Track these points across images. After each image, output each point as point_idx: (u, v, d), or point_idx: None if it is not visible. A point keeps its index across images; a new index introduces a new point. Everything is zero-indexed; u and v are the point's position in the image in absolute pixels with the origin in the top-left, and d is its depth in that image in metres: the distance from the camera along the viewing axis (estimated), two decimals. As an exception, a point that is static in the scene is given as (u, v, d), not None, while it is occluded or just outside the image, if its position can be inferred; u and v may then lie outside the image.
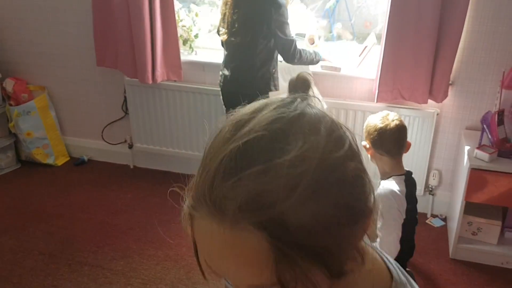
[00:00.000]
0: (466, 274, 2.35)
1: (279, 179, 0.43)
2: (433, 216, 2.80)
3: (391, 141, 1.85)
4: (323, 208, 0.45)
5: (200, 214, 0.47)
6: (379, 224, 1.81)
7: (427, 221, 2.76)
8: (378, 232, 1.81)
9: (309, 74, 0.56)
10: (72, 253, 2.51)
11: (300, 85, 0.58)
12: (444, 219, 2.76)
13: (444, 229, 2.69)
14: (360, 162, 0.50)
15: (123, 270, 2.38)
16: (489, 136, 2.28)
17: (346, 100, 2.71)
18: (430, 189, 2.76)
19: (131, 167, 3.40)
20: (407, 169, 1.94)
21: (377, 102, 2.57)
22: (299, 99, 0.51)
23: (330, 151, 0.46)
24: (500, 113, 2.26)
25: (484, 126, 2.30)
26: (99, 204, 2.97)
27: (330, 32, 3.06)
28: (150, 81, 2.91)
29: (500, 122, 2.27)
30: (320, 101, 0.54)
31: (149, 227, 2.72)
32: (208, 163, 0.47)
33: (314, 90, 0.58)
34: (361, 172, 0.50)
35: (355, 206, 0.48)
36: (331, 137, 0.48)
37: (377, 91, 2.54)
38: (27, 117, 3.22)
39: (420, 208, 2.56)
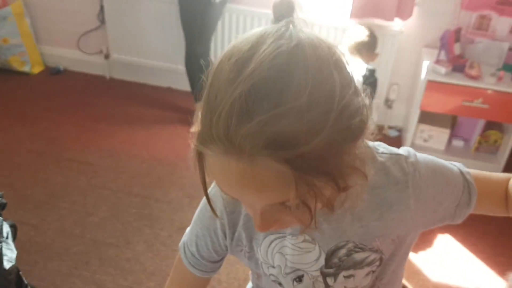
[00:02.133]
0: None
1: (301, 123, 0.47)
2: (390, 127, 3.12)
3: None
4: (335, 137, 0.49)
5: (214, 152, 0.50)
6: None
7: (383, 132, 3.08)
8: None
9: None
10: (60, 152, 2.66)
11: (285, 8, 0.55)
12: (399, 130, 3.10)
13: (398, 139, 3.03)
14: (356, 86, 0.54)
15: (111, 166, 2.57)
16: (446, 52, 2.55)
17: (319, 18, 2.88)
18: (389, 102, 3.05)
19: (107, 78, 3.48)
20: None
21: (350, 18, 2.77)
22: (291, 26, 0.52)
23: (341, 89, 0.50)
24: (458, 31, 2.53)
25: (442, 43, 2.56)
26: (79, 110, 3.08)
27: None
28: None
29: (457, 39, 2.54)
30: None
31: (131, 132, 2.89)
32: (216, 105, 0.48)
33: (299, 13, 0.56)
34: (363, 100, 0.54)
35: (357, 127, 0.53)
36: (338, 73, 0.51)
37: (351, 7, 2.72)
38: (4, 23, 3.19)
39: (378, 120, 2.87)
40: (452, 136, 2.83)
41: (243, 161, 0.47)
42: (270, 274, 0.80)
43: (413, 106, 2.76)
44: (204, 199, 0.78)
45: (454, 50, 2.52)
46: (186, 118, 3.10)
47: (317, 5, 2.88)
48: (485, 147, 2.76)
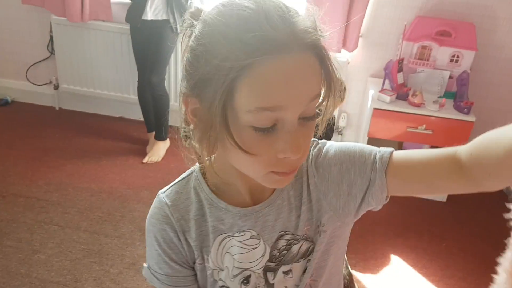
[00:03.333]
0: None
1: (312, 20, 0.63)
2: (342, 153, 3.20)
3: None
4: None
5: (267, 57, 0.56)
6: None
7: (336, 158, 3.15)
8: None
9: None
10: (5, 186, 2.56)
11: None
12: (351, 156, 3.17)
13: (350, 164, 3.10)
14: None
15: (58, 201, 2.49)
16: (390, 82, 2.66)
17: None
18: (339, 130, 3.14)
19: (57, 108, 3.40)
20: None
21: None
22: None
23: None
24: (401, 61, 2.64)
25: (386, 72, 2.67)
26: (27, 143, 2.99)
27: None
28: (79, 20, 2.93)
29: (400, 69, 2.66)
30: None
31: (80, 163, 2.82)
32: (257, 9, 0.58)
33: None
34: None
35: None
36: None
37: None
38: None
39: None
40: (400, 161, 2.91)
41: (295, 54, 0.57)
42: (219, 279, 0.80)
43: (361, 133, 2.85)
44: (148, 219, 0.80)
45: (397, 79, 2.63)
46: (138, 148, 3.10)
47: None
48: (431, 171, 2.86)
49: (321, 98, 0.65)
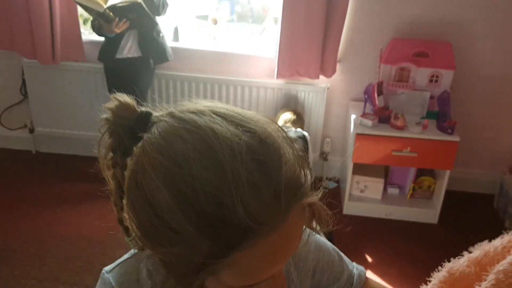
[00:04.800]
0: (357, 226, 2.70)
1: (294, 166, 0.52)
2: (328, 179, 3.13)
3: None
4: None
5: (250, 245, 0.47)
6: None
7: (322, 184, 3.07)
8: None
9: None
10: (-22, 241, 2.44)
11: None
12: (337, 181, 3.11)
13: (337, 190, 3.04)
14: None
15: (36, 252, 2.38)
16: (371, 105, 2.62)
17: (248, 78, 2.91)
18: (324, 155, 3.08)
19: (33, 152, 3.30)
20: None
21: (277, 78, 2.81)
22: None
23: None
24: (380, 84, 2.61)
25: (366, 96, 2.63)
26: (3, 190, 2.87)
27: (231, 15, 3.23)
28: (51, 62, 2.86)
29: (380, 92, 2.62)
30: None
31: (59, 210, 2.71)
32: (226, 205, 0.45)
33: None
34: None
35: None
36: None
37: (276, 68, 2.77)
38: None
39: (316, 173, 2.87)
40: (387, 184, 2.87)
41: (282, 226, 0.48)
42: None
43: (347, 158, 2.79)
44: None
45: (378, 102, 2.59)
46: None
47: (245, 67, 2.90)
48: (420, 193, 2.81)
49: None
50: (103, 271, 0.70)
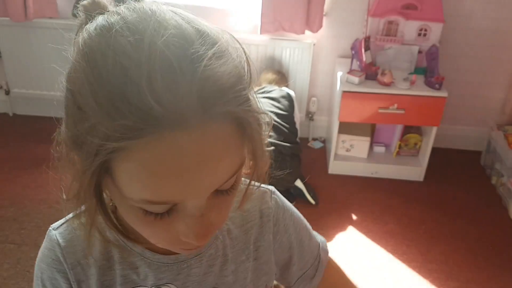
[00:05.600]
0: (342, 185, 2.67)
1: (233, 64, 0.44)
2: (314, 139, 3.08)
3: None
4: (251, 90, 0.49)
5: (148, 139, 0.39)
6: None
7: (308, 144, 3.03)
8: None
9: None
10: (-46, 205, 2.37)
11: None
12: (323, 141, 3.06)
13: (323, 150, 2.99)
14: None
15: (14, 216, 2.32)
16: (358, 62, 2.54)
17: (231, 33, 2.78)
18: (310, 115, 3.01)
19: (10, 115, 3.19)
20: None
21: (261, 34, 2.69)
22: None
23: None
24: (367, 39, 2.52)
25: (353, 52, 2.54)
26: (-22, 154, 2.79)
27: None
28: (23, 19, 2.72)
29: (367, 47, 2.53)
30: None
31: (37, 173, 2.63)
32: (131, 79, 0.39)
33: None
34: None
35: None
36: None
37: (260, 23, 2.65)
38: None
39: (302, 133, 2.81)
40: (373, 143, 2.82)
41: (195, 129, 0.39)
42: None
43: (332, 117, 2.73)
44: (37, 262, 0.63)
45: (365, 58, 2.51)
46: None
47: (228, 22, 2.78)
48: (406, 151, 2.77)
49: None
50: (50, 228, 0.64)
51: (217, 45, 0.43)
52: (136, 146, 0.39)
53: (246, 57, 0.48)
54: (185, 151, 0.40)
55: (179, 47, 0.41)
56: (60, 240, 0.61)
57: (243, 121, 0.44)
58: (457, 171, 2.85)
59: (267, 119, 0.51)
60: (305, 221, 0.73)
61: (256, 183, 0.59)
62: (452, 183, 2.73)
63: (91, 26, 0.46)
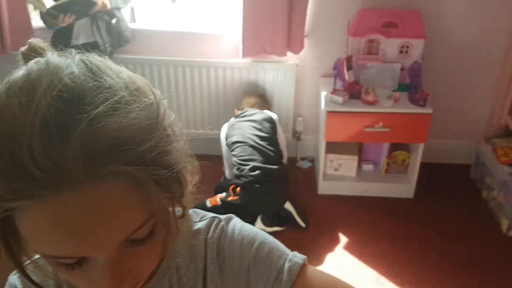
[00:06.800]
0: (332, 206, 2.63)
1: (127, 118, 0.42)
2: (302, 159, 3.05)
3: None
4: (165, 138, 0.47)
5: (33, 201, 0.40)
6: None
7: (297, 164, 3.00)
8: None
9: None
10: None
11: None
12: (311, 160, 3.03)
13: (312, 169, 2.96)
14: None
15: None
16: (341, 81, 2.52)
17: (213, 58, 2.77)
18: (297, 135, 2.98)
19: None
20: None
21: (242, 57, 2.67)
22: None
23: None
24: (349, 58, 2.50)
25: (336, 72, 2.53)
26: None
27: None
28: (0, 52, 2.68)
29: (349, 67, 2.51)
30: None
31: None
32: (15, 138, 0.39)
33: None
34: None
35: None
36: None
37: (241, 46, 2.63)
38: None
39: (290, 153, 2.78)
40: (361, 161, 2.79)
41: (82, 188, 0.40)
42: None
43: (319, 137, 2.70)
44: None
45: (347, 77, 2.49)
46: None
47: (210, 47, 2.76)
48: (394, 168, 2.74)
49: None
50: (10, 275, 0.64)
51: (110, 101, 0.42)
52: (27, 207, 0.40)
53: (158, 106, 0.47)
54: (73, 211, 0.40)
55: (63, 108, 0.40)
56: (19, 286, 0.62)
57: (138, 179, 0.42)
58: (447, 185, 2.83)
59: (190, 167, 0.50)
60: (268, 239, 0.65)
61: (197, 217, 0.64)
62: (443, 198, 2.70)
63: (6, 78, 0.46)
